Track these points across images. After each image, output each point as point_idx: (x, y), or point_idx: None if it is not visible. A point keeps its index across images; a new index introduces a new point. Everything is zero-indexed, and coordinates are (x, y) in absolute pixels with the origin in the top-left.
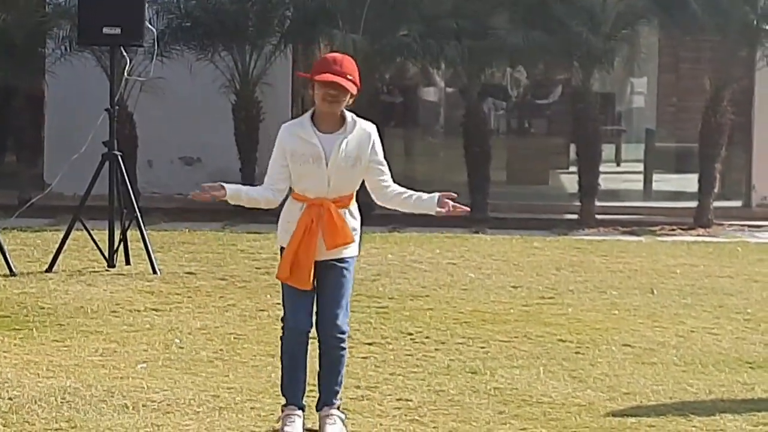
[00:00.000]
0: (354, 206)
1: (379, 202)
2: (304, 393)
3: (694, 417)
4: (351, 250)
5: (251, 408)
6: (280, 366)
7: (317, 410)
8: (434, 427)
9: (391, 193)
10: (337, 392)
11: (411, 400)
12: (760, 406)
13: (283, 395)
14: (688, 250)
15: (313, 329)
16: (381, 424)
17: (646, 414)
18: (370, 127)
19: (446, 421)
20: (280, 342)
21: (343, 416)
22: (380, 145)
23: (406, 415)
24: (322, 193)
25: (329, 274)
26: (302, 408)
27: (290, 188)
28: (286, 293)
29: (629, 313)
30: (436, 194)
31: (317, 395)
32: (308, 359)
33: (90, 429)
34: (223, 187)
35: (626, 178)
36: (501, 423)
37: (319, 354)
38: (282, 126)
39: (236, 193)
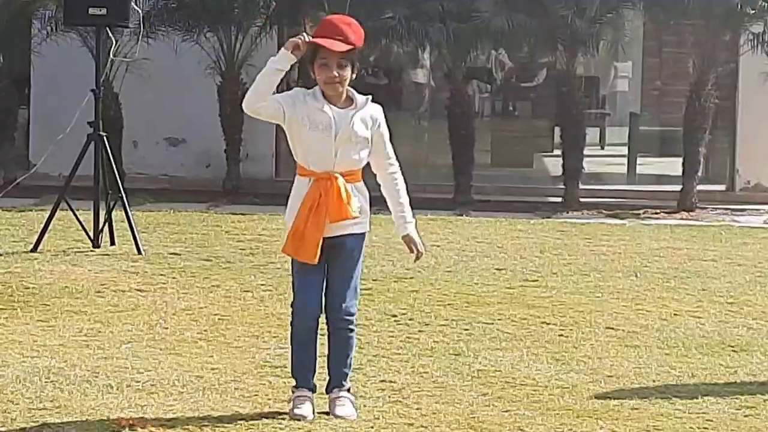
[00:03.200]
0: (362, 182)
1: (379, 181)
2: (314, 374)
3: (676, 400)
4: (360, 227)
5: (235, 389)
6: (266, 347)
7: (327, 392)
8: (418, 409)
9: (389, 178)
10: (347, 374)
11: (395, 382)
12: (742, 389)
13: (294, 377)
14: (671, 233)
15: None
16: (364, 406)
17: (629, 396)
18: (377, 109)
19: (430, 403)
20: (290, 325)
21: (352, 398)
22: (386, 128)
23: (389, 397)
24: (328, 166)
25: (339, 254)
26: (313, 389)
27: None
28: (296, 276)
29: (613, 296)
30: (408, 233)
31: (327, 378)
32: (318, 341)
33: (74, 409)
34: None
35: (610, 161)
36: (484, 405)
37: (328, 336)
38: (295, 89)
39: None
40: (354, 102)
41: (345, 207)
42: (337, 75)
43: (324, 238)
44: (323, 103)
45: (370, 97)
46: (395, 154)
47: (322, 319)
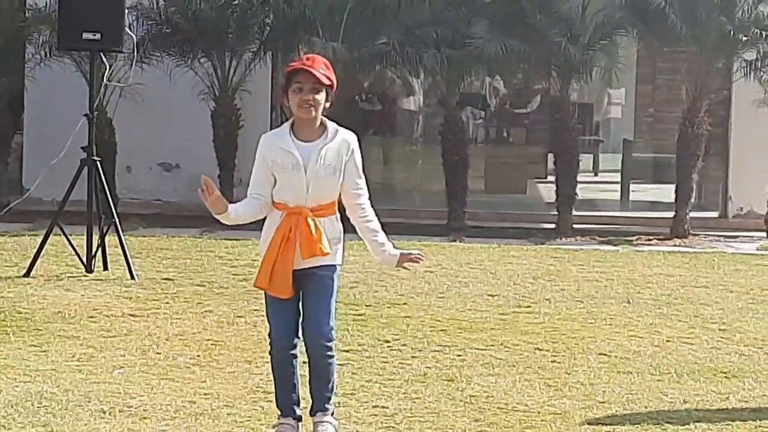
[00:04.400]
0: (336, 215)
1: (348, 214)
2: (298, 404)
3: (668, 426)
4: (330, 259)
5: (228, 414)
6: (259, 372)
7: (311, 415)
8: None
9: (357, 209)
10: (329, 398)
11: (387, 408)
12: (734, 415)
13: (278, 408)
14: (664, 259)
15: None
16: (357, 431)
17: (621, 423)
18: (351, 137)
19: (422, 429)
20: (269, 356)
21: (336, 423)
22: (359, 155)
23: (382, 423)
24: (300, 202)
25: (310, 283)
26: (298, 419)
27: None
28: (269, 307)
29: (605, 322)
30: (395, 256)
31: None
32: (298, 370)
33: None
34: (227, 207)
35: (603, 187)
36: (477, 430)
37: (308, 362)
38: (261, 137)
39: (229, 212)
40: (326, 132)
41: (315, 243)
42: (311, 98)
43: (294, 270)
44: (289, 143)
45: (339, 128)
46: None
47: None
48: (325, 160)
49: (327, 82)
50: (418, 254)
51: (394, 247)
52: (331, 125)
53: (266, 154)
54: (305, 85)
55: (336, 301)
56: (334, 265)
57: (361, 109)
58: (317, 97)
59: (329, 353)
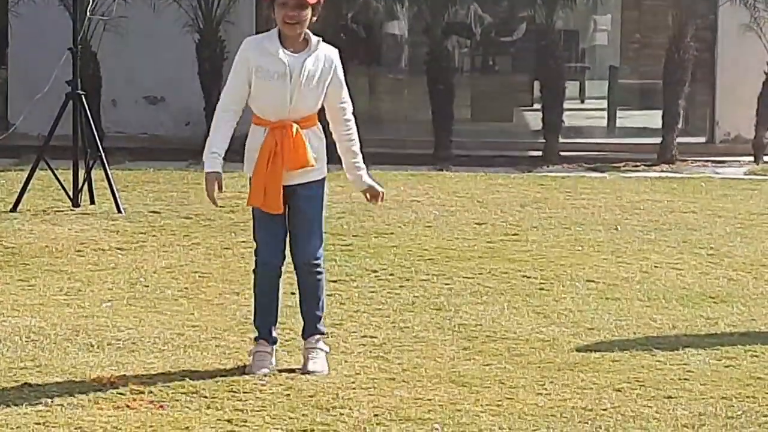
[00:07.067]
0: (318, 126)
1: (332, 129)
2: (275, 324)
3: (657, 351)
4: (318, 172)
5: (216, 346)
6: (247, 304)
7: (303, 338)
8: (399, 364)
9: (343, 125)
10: (320, 317)
11: (376, 337)
12: (723, 340)
13: (255, 327)
14: (651, 186)
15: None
16: (346, 361)
17: (609, 349)
18: (332, 51)
19: (411, 358)
20: (252, 275)
21: (326, 350)
22: (341, 69)
23: (370, 352)
24: (283, 114)
25: (299, 200)
26: (273, 342)
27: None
28: (257, 225)
29: (593, 249)
30: (366, 183)
31: (298, 332)
32: (281, 293)
33: (55, 368)
34: (218, 176)
35: (590, 114)
36: (465, 359)
37: (297, 282)
38: (245, 40)
39: (219, 158)
40: (309, 45)
41: (302, 155)
42: (295, 14)
43: (284, 186)
44: (278, 49)
45: (320, 39)
46: (352, 101)
47: (290, 271)
48: (308, 72)
49: (312, 0)
50: (382, 193)
51: (368, 174)
52: (314, 38)
53: (250, 59)
54: (290, 0)
55: (325, 216)
56: (321, 180)
57: (345, 39)
58: (303, 13)
59: (318, 270)
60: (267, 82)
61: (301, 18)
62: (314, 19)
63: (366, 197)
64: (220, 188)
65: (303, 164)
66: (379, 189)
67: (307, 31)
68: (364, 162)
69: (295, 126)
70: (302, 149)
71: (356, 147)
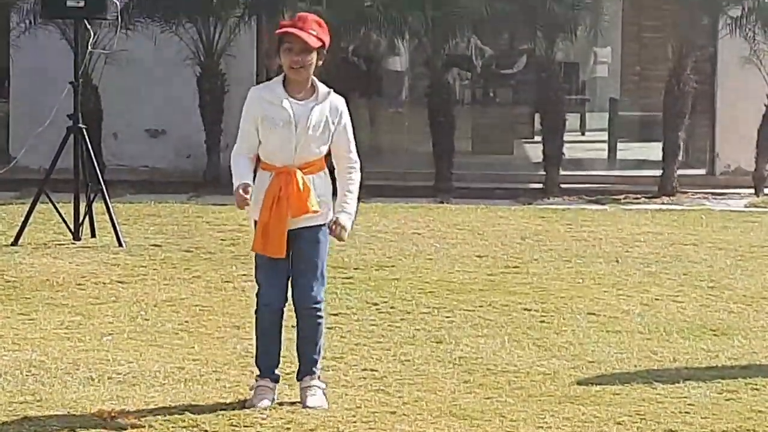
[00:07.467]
0: (325, 171)
1: (335, 169)
2: (277, 365)
3: (658, 384)
4: (323, 217)
5: (216, 380)
6: (248, 337)
7: (298, 380)
8: (399, 397)
9: (345, 172)
10: (316, 361)
11: (376, 370)
12: (723, 373)
13: (257, 367)
14: (652, 218)
15: (290, 299)
16: (347, 395)
17: (610, 382)
18: (340, 100)
19: (412, 391)
20: (254, 315)
21: (323, 386)
22: (349, 119)
23: (371, 385)
24: (288, 160)
25: (302, 243)
26: (276, 380)
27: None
28: (259, 267)
29: (594, 281)
30: (343, 216)
31: (297, 366)
32: (283, 332)
33: (55, 402)
34: (243, 185)
35: (590, 146)
36: (466, 392)
37: (297, 324)
38: (251, 89)
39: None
40: (316, 93)
41: (304, 202)
42: (300, 59)
43: (288, 231)
44: (282, 98)
45: (330, 90)
46: (357, 149)
47: (290, 309)
48: (314, 121)
49: (316, 45)
50: (341, 231)
51: (355, 213)
52: (322, 87)
53: (255, 108)
54: (295, 46)
55: (326, 260)
56: (325, 225)
57: (347, 71)
58: (307, 58)
59: (318, 314)
60: (273, 129)
61: (305, 62)
62: (320, 63)
63: (330, 228)
64: (246, 192)
65: (306, 210)
66: (345, 234)
67: (314, 78)
68: (358, 204)
69: (299, 172)
70: (306, 195)
71: (354, 188)
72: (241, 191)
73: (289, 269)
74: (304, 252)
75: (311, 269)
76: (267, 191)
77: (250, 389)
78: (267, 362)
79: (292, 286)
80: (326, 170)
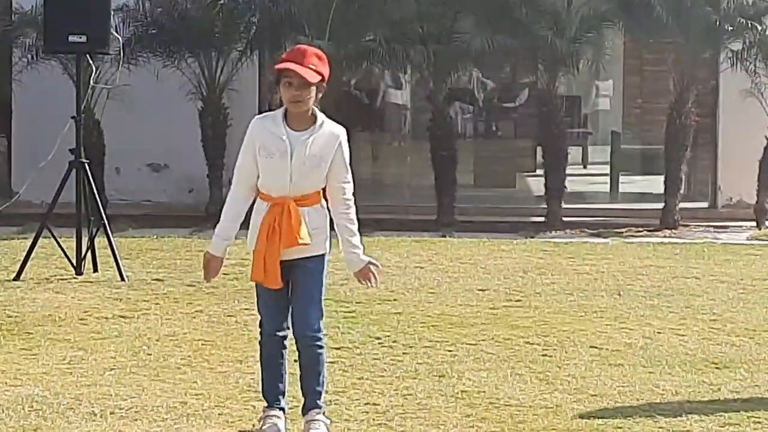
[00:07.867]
0: (321, 204)
1: (330, 206)
2: (284, 395)
3: (661, 418)
4: (316, 249)
5: (219, 414)
6: (250, 372)
7: (303, 415)
8: (402, 431)
9: (342, 215)
10: (320, 393)
11: (379, 405)
12: (726, 406)
13: (264, 398)
14: (654, 251)
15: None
16: (349, 429)
17: (613, 416)
18: (339, 130)
19: (414, 425)
20: (258, 346)
21: (328, 422)
22: (347, 150)
23: (374, 420)
24: (284, 191)
25: (298, 274)
26: (283, 409)
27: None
28: (260, 297)
29: (596, 315)
30: (363, 261)
31: (302, 400)
32: (286, 364)
33: None
34: (215, 261)
35: (592, 180)
36: (468, 426)
37: (298, 355)
38: (254, 119)
39: (225, 242)
40: (315, 122)
41: (294, 234)
42: (299, 93)
43: (283, 261)
44: (282, 129)
45: (325, 119)
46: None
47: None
48: (311, 151)
49: (315, 80)
50: (378, 270)
51: (364, 252)
52: (321, 116)
53: (255, 138)
54: (294, 80)
55: (325, 290)
56: (321, 255)
57: (349, 105)
58: (306, 92)
59: (318, 344)
60: (269, 160)
61: (305, 97)
62: (319, 96)
63: (359, 280)
64: (215, 273)
65: (294, 243)
66: (376, 265)
67: (315, 108)
68: (361, 240)
69: (293, 204)
70: (298, 227)
71: (353, 225)
72: (211, 270)
73: (288, 299)
74: (300, 282)
75: (308, 299)
76: (262, 222)
77: (259, 420)
78: (272, 392)
79: (291, 316)
80: (323, 203)
